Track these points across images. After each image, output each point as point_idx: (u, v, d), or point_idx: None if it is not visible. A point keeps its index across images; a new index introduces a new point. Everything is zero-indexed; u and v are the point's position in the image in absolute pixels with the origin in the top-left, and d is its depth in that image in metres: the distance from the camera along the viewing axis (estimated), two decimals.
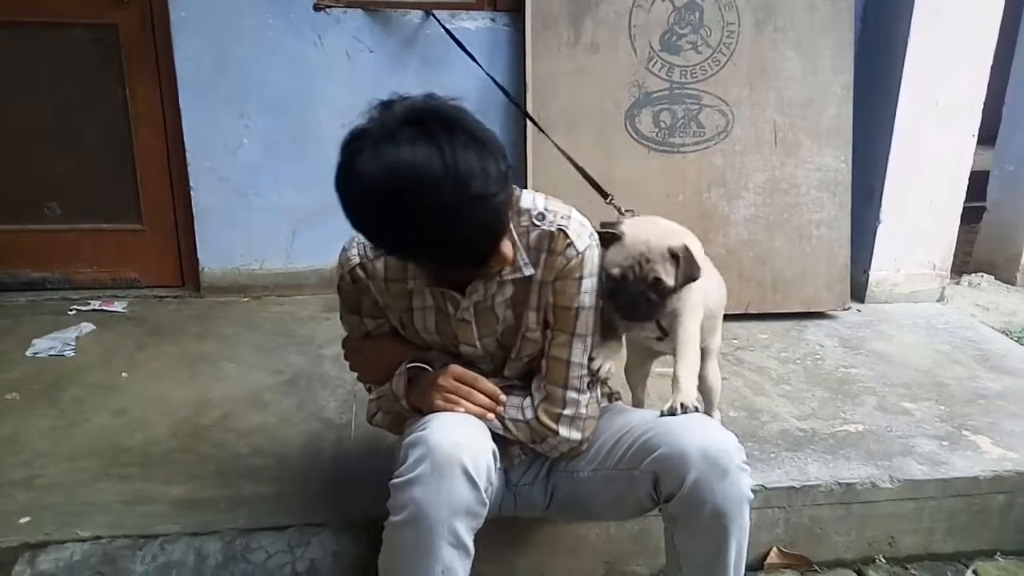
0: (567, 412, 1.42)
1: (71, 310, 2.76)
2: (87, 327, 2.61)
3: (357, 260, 1.42)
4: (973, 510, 1.95)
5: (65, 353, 2.43)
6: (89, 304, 2.81)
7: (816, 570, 1.90)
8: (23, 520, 1.65)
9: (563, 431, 1.43)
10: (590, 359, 1.43)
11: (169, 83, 2.76)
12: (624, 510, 1.51)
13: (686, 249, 1.41)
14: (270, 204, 2.89)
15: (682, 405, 1.40)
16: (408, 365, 1.44)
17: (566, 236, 1.36)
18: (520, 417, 1.43)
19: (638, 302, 1.40)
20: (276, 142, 2.84)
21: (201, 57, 2.73)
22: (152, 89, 2.80)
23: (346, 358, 1.57)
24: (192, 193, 2.85)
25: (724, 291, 1.75)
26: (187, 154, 2.80)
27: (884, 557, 1.94)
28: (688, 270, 1.41)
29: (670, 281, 1.40)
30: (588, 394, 1.44)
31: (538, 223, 1.36)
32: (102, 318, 2.71)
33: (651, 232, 1.43)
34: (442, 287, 1.37)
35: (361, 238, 1.40)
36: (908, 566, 1.93)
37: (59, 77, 2.78)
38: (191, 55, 2.72)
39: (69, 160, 2.85)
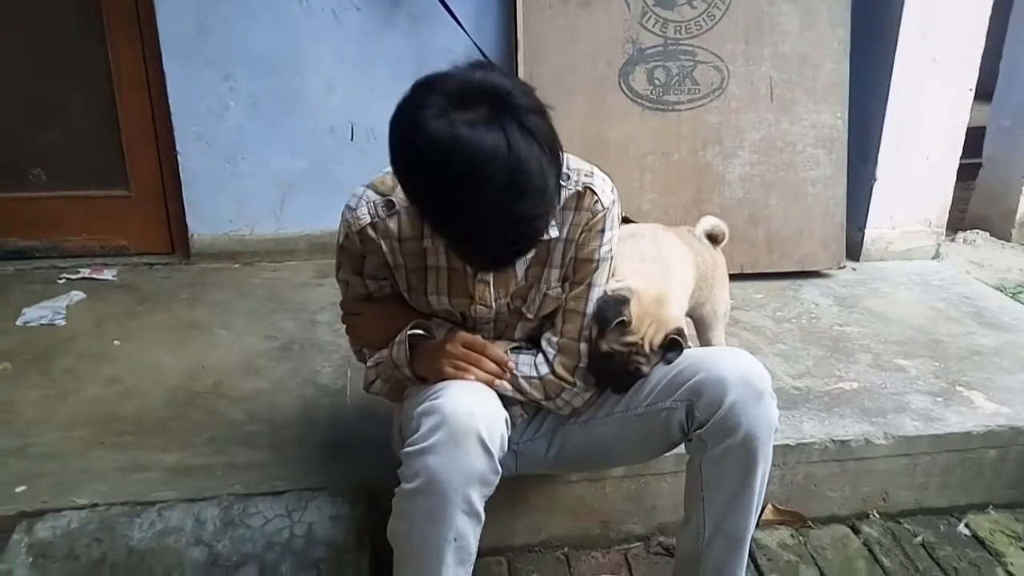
0: (583, 364, 1.43)
1: (60, 279, 2.73)
2: (77, 295, 2.59)
3: (368, 220, 1.36)
4: (966, 465, 1.97)
5: (56, 322, 2.41)
6: (78, 272, 2.78)
7: (811, 526, 1.92)
8: (19, 489, 1.65)
9: (580, 383, 1.44)
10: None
11: (152, 45, 2.69)
12: (647, 449, 1.52)
13: (678, 336, 1.43)
14: (258, 168, 2.85)
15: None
16: (409, 332, 1.41)
17: (593, 193, 1.37)
18: (534, 374, 1.43)
19: (621, 379, 1.45)
20: (262, 104, 2.79)
21: (184, 17, 2.66)
22: (135, 51, 2.73)
23: (344, 321, 1.53)
24: (179, 158, 2.80)
25: (710, 260, 1.80)
26: (172, 118, 2.75)
27: (878, 512, 1.96)
28: (671, 355, 1.45)
29: (647, 370, 1.44)
30: None
31: (563, 183, 1.35)
32: (92, 286, 2.69)
33: (654, 309, 1.43)
34: None
35: (371, 195, 1.37)
36: (901, 521, 1.96)
37: (40, 40, 2.71)
38: (174, 15, 2.65)
39: (52, 125, 2.79)
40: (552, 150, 1.13)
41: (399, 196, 1.35)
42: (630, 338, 1.40)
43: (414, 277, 1.42)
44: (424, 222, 1.33)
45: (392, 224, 1.36)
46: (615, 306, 1.41)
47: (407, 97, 1.13)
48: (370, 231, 1.37)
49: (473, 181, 1.08)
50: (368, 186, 1.39)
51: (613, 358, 1.41)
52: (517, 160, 1.07)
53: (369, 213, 1.36)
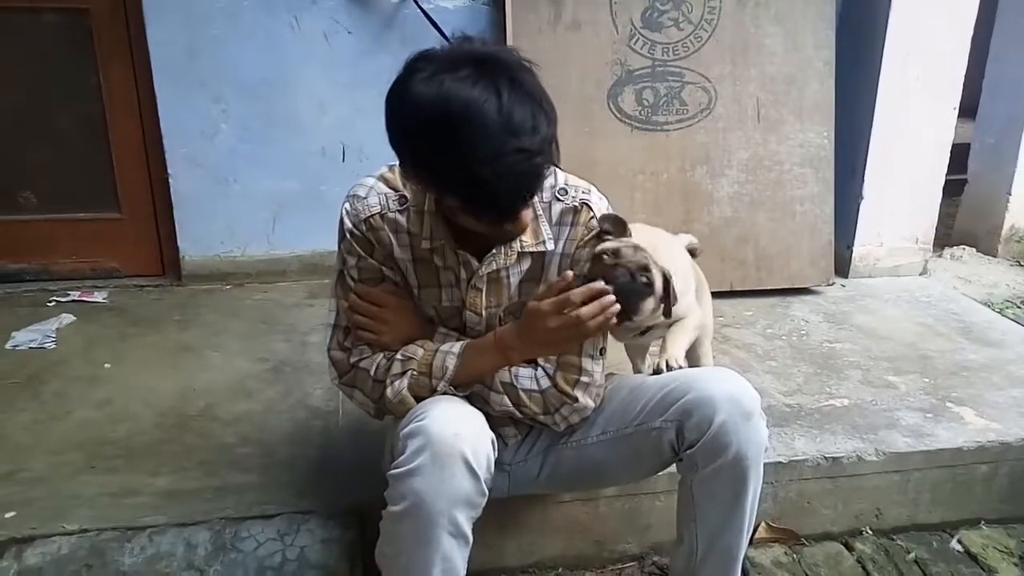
0: (584, 379, 1.44)
1: (50, 301, 2.72)
2: (67, 318, 2.57)
3: (378, 209, 1.37)
4: (957, 480, 1.97)
5: (45, 345, 2.40)
6: (69, 295, 2.77)
7: (804, 543, 1.92)
8: (8, 515, 1.63)
9: (581, 398, 1.44)
10: None
11: (143, 68, 2.71)
12: (640, 468, 1.52)
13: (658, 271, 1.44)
14: (249, 190, 2.86)
15: (667, 364, 1.48)
16: (458, 347, 1.39)
17: (589, 209, 1.41)
18: (535, 387, 1.43)
19: (632, 283, 1.38)
20: (253, 127, 2.80)
21: (175, 41, 2.68)
22: (126, 74, 2.75)
23: (357, 311, 1.41)
24: (170, 180, 2.80)
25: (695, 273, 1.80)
26: (164, 140, 2.76)
27: (871, 529, 1.97)
28: (670, 301, 1.44)
29: (657, 281, 1.41)
30: (601, 361, 1.46)
31: (560, 198, 1.40)
32: (82, 309, 2.68)
33: (651, 242, 1.45)
34: (463, 248, 1.36)
35: (382, 187, 1.38)
36: (894, 537, 1.96)
37: (30, 63, 2.72)
38: (165, 39, 2.67)
39: (43, 148, 2.79)
40: (542, 99, 1.16)
41: (409, 192, 1.36)
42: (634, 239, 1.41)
43: (423, 270, 1.41)
44: (428, 197, 1.33)
45: (402, 219, 1.37)
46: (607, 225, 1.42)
47: (398, 75, 1.17)
48: (379, 220, 1.36)
49: (466, 126, 1.11)
50: (378, 178, 1.39)
51: (618, 253, 1.40)
52: (508, 102, 1.12)
53: (379, 203, 1.37)
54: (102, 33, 2.71)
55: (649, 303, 1.42)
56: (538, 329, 1.35)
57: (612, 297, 1.33)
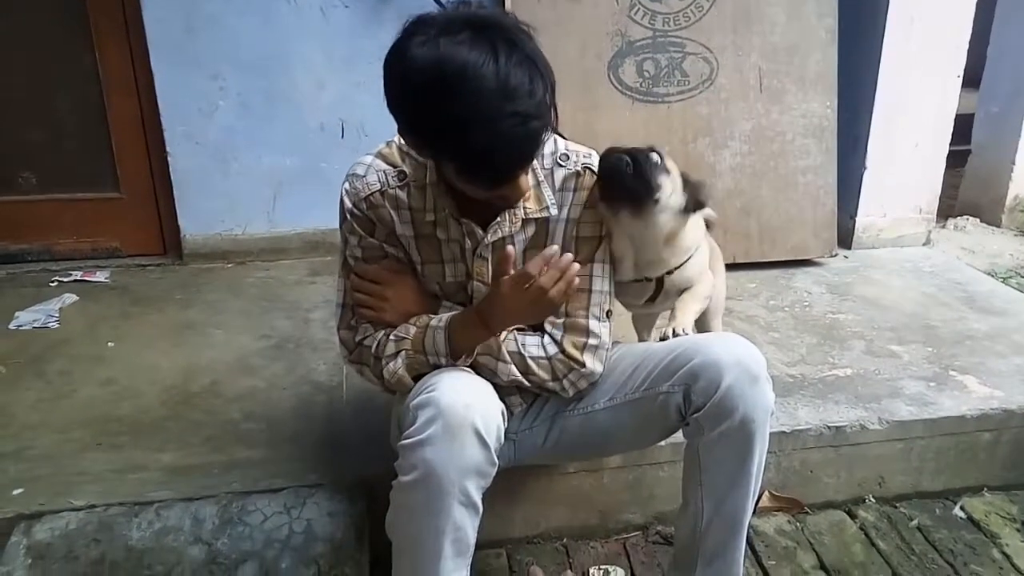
0: (592, 342, 1.44)
1: (53, 281, 2.73)
2: (70, 298, 2.58)
3: (378, 186, 1.38)
4: (960, 448, 1.98)
5: (49, 325, 2.40)
6: (71, 275, 2.77)
7: (808, 512, 1.93)
8: (16, 492, 1.64)
9: (588, 362, 1.44)
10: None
11: (140, 46, 2.69)
12: (647, 434, 1.52)
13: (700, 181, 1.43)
14: (249, 168, 2.85)
15: (674, 331, 1.46)
16: (446, 320, 1.39)
17: (593, 173, 1.42)
18: (542, 354, 1.44)
19: (619, 168, 1.38)
20: (251, 103, 2.78)
21: (171, 18, 2.65)
22: (123, 53, 2.73)
23: (358, 290, 1.44)
24: (169, 159, 2.79)
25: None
26: (162, 119, 2.74)
27: (874, 497, 1.98)
28: (695, 195, 1.43)
29: (670, 165, 1.39)
30: (608, 324, 1.46)
31: (562, 163, 1.41)
32: (85, 288, 2.68)
33: None
34: (466, 218, 1.36)
35: (380, 164, 1.39)
36: (897, 505, 1.97)
37: (26, 43, 2.70)
38: (161, 16, 2.64)
39: (41, 128, 2.78)
40: (540, 62, 1.16)
41: (408, 167, 1.37)
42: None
43: (426, 246, 1.41)
44: (428, 169, 1.33)
45: (402, 194, 1.38)
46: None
47: (396, 39, 1.17)
48: (379, 197, 1.38)
49: (463, 89, 1.11)
50: (376, 155, 1.40)
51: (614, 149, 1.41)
52: (505, 65, 1.12)
53: (379, 180, 1.38)
54: (97, 11, 2.68)
55: (666, 183, 1.40)
56: (504, 305, 1.35)
57: (569, 256, 1.31)
